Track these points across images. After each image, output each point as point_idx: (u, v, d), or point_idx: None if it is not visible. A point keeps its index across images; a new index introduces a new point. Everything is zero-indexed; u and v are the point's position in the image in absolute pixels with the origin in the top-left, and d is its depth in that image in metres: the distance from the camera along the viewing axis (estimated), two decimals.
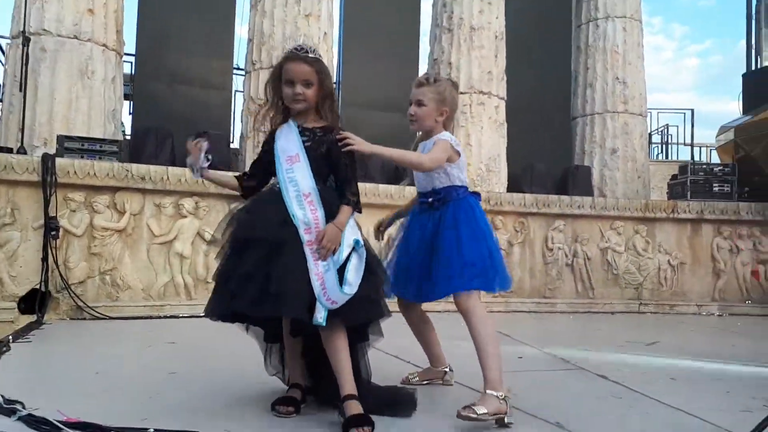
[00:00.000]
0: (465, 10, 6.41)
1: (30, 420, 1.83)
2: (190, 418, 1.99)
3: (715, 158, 10.47)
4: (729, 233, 6.22)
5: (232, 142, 6.88)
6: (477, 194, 2.46)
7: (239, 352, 2.45)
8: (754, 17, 9.55)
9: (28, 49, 4.68)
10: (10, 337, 3.27)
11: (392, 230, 2.64)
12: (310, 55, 2.11)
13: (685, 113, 11.94)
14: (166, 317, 4.50)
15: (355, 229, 2.08)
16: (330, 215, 2.03)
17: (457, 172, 2.37)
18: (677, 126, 12.13)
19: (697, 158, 11.63)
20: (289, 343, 2.19)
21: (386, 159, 2.56)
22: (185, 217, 4.70)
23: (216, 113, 6.36)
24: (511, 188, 6.28)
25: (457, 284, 2.19)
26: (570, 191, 6.34)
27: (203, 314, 2.12)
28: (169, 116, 5.96)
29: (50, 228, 4.13)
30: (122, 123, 6.13)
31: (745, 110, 7.53)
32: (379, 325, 2.13)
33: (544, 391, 2.62)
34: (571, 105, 7.47)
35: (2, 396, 2.00)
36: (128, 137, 6.50)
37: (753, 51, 9.43)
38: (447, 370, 2.67)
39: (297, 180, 2.07)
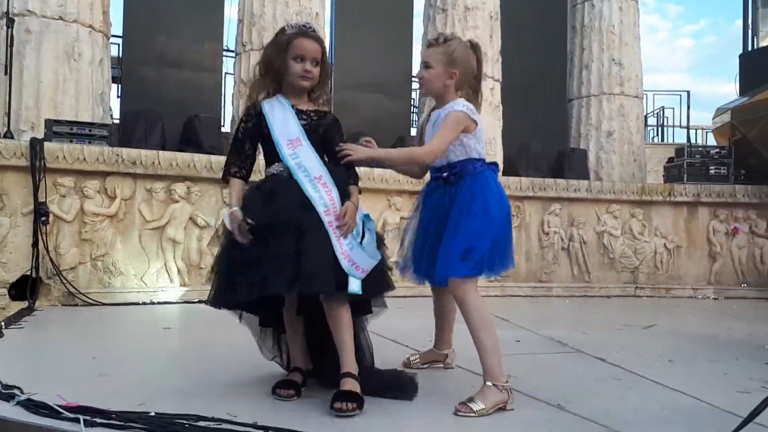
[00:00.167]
0: None
1: (29, 404, 1.80)
2: (190, 402, 1.98)
3: (711, 140, 10.47)
4: (725, 216, 6.21)
5: (223, 126, 6.78)
6: (494, 165, 2.30)
7: (236, 337, 2.44)
8: None
9: (12, 30, 4.57)
10: (3, 323, 3.24)
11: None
12: (317, 34, 2.11)
13: (681, 95, 11.93)
14: (159, 303, 4.46)
15: (360, 206, 2.13)
16: (342, 194, 2.06)
17: (474, 143, 2.22)
18: (673, 108, 12.12)
19: (692, 141, 11.61)
20: (291, 326, 2.18)
21: (386, 162, 2.38)
22: (177, 202, 4.64)
23: (206, 96, 6.26)
24: (506, 171, 6.23)
25: (450, 269, 2.10)
26: (566, 174, 6.30)
27: (209, 303, 2.11)
28: (158, 99, 5.86)
29: (40, 214, 4.07)
30: (110, 107, 6.04)
31: (742, 91, 7.48)
32: (383, 298, 2.19)
33: (544, 373, 2.62)
34: (567, 87, 7.40)
35: (0, 381, 1.96)
36: (116, 121, 6.39)
37: (750, 31, 9.37)
38: (448, 353, 2.61)
39: (304, 164, 2.06)
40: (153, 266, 4.56)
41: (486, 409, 1.94)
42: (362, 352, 2.17)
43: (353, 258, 1.99)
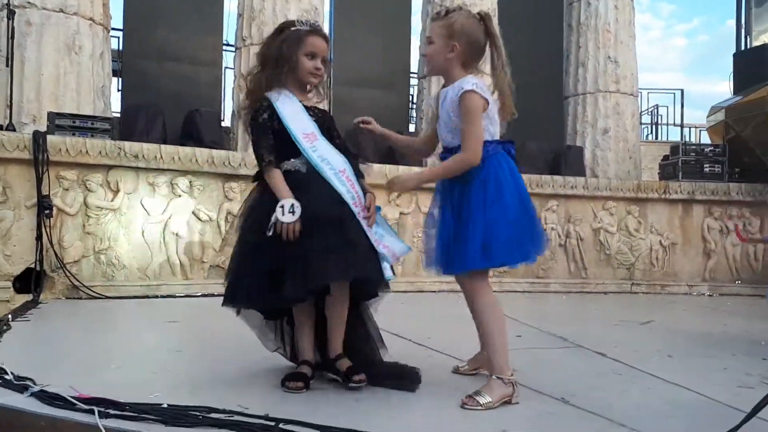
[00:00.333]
0: None
1: (43, 396, 1.81)
2: (200, 394, 2.00)
3: (704, 139, 10.57)
4: (719, 214, 6.29)
5: (223, 120, 6.79)
6: (509, 144, 2.13)
7: (242, 330, 2.46)
8: None
9: (13, 22, 4.55)
10: (10, 316, 3.25)
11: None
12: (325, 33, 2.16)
13: (675, 93, 11.99)
14: (162, 297, 4.48)
15: None
16: (362, 186, 2.14)
17: (486, 123, 2.06)
18: (667, 106, 12.19)
19: (686, 139, 11.69)
20: (302, 320, 2.20)
21: (437, 179, 2.16)
22: (180, 196, 4.66)
23: (206, 90, 6.26)
24: None
25: (460, 263, 2.06)
26: (562, 171, 6.35)
27: (245, 305, 2.14)
28: (158, 93, 5.86)
29: (44, 207, 4.08)
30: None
31: (736, 90, 7.54)
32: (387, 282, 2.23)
33: (546, 368, 2.66)
34: (563, 84, 7.45)
35: (12, 372, 1.98)
36: (115, 114, 6.39)
37: (743, 31, 9.43)
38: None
39: (327, 158, 2.09)
40: (156, 260, 4.58)
41: (492, 402, 1.97)
42: (373, 341, 2.25)
43: (388, 245, 2.08)
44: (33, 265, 4.09)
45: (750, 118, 6.61)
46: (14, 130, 4.36)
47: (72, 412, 1.72)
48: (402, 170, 5.50)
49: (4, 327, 2.94)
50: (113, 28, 5.65)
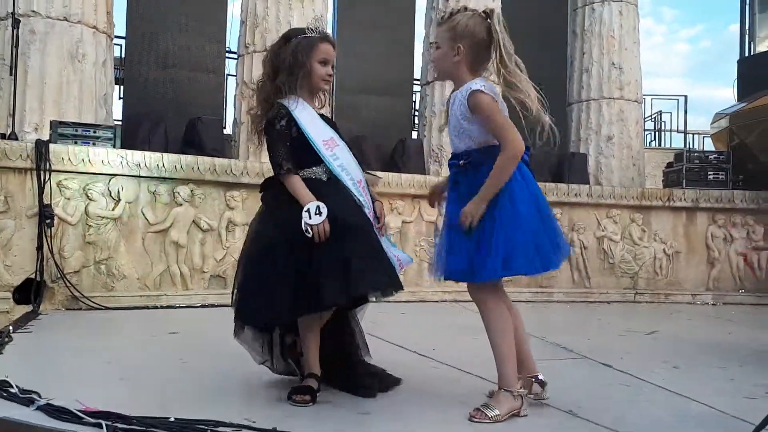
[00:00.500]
0: None
1: (49, 409, 1.80)
2: (207, 407, 1.98)
3: (708, 145, 10.53)
4: (723, 221, 6.25)
5: (225, 128, 6.79)
6: (526, 149, 2.02)
7: None
8: (748, 2, 9.54)
9: (17, 31, 4.56)
10: (11, 327, 3.23)
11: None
12: None
13: (678, 100, 11.98)
14: (162, 307, 4.46)
15: None
16: (370, 194, 2.19)
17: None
18: (670, 113, 12.18)
19: (689, 146, 11.67)
20: (310, 333, 2.17)
21: (496, 189, 1.96)
22: (181, 205, 4.63)
23: (208, 98, 6.26)
24: None
25: (467, 274, 2.00)
26: (566, 178, 6.33)
27: (266, 319, 2.10)
28: (160, 101, 5.86)
29: (45, 216, 4.05)
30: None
31: (740, 96, 7.52)
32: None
33: (553, 379, 2.59)
34: (567, 90, 7.44)
35: (17, 386, 1.96)
36: (117, 122, 6.39)
37: (747, 36, 9.43)
38: (532, 378, 2.15)
39: (346, 167, 2.12)
40: (156, 270, 4.55)
41: (500, 415, 1.95)
42: (357, 343, 2.33)
43: (397, 254, 2.12)
44: (33, 276, 4.06)
45: (754, 125, 6.59)
46: (17, 138, 4.35)
47: (79, 425, 1.71)
48: (405, 178, 5.50)
49: (6, 339, 2.91)
50: (116, 36, 5.65)
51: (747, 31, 9.55)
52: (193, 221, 4.68)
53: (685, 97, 11.89)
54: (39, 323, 3.63)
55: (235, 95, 5.99)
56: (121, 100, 6.50)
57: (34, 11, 4.77)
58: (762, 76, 7.36)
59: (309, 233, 1.95)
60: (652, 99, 11.87)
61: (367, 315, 2.43)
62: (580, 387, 2.53)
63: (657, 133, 12.22)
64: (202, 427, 1.72)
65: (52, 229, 4.12)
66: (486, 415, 1.94)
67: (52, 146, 4.18)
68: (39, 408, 1.82)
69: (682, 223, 6.29)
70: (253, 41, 5.67)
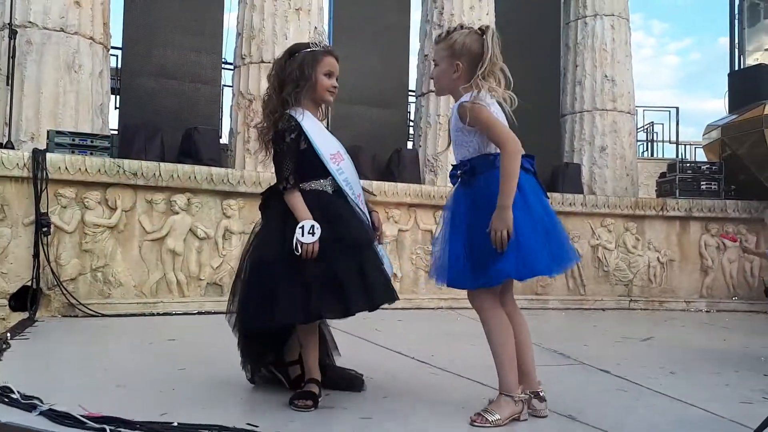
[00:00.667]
0: (455, 6, 6.41)
1: (52, 415, 1.80)
2: (208, 412, 1.99)
3: (699, 156, 10.64)
4: (716, 231, 6.31)
5: (221, 138, 6.79)
6: (525, 159, 2.01)
7: None
8: (737, 16, 9.69)
9: (14, 41, 4.58)
10: (8, 334, 3.22)
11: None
12: None
13: (669, 111, 12.11)
14: (158, 314, 4.44)
15: None
16: (366, 205, 2.25)
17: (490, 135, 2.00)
18: (662, 124, 12.30)
19: (681, 156, 11.77)
20: (309, 339, 2.20)
21: (513, 191, 1.95)
22: (177, 213, 4.64)
23: (205, 108, 6.26)
24: None
25: (465, 281, 2.02)
26: (560, 188, 6.38)
27: (271, 322, 2.08)
28: (156, 111, 5.86)
29: (41, 224, 4.05)
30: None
31: (731, 109, 7.62)
32: None
33: (551, 385, 2.60)
34: (561, 102, 7.51)
35: (18, 392, 1.96)
36: (113, 132, 6.39)
37: (736, 50, 9.57)
38: (532, 395, 2.07)
39: (350, 181, 2.18)
40: (152, 277, 4.55)
41: (501, 420, 1.96)
42: (328, 345, 2.40)
43: (388, 267, 2.18)
44: (29, 283, 4.06)
45: (745, 136, 6.68)
46: (13, 147, 4.35)
47: (82, 430, 1.71)
48: (401, 187, 5.52)
49: (4, 345, 2.90)
50: (112, 47, 5.67)
51: (737, 45, 9.70)
52: (190, 229, 4.69)
53: (677, 108, 12.05)
54: (36, 330, 3.62)
55: (231, 105, 6.02)
56: (117, 110, 6.51)
57: (31, 22, 4.79)
58: (752, 88, 7.47)
59: (298, 251, 1.98)
60: (644, 110, 12.00)
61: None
62: (579, 392, 2.54)
63: (649, 143, 12.34)
64: (205, 431, 1.72)
65: (49, 237, 4.12)
66: (487, 419, 1.95)
67: (49, 155, 4.18)
68: (42, 413, 1.81)
69: (676, 232, 6.36)
70: (250, 52, 5.71)
